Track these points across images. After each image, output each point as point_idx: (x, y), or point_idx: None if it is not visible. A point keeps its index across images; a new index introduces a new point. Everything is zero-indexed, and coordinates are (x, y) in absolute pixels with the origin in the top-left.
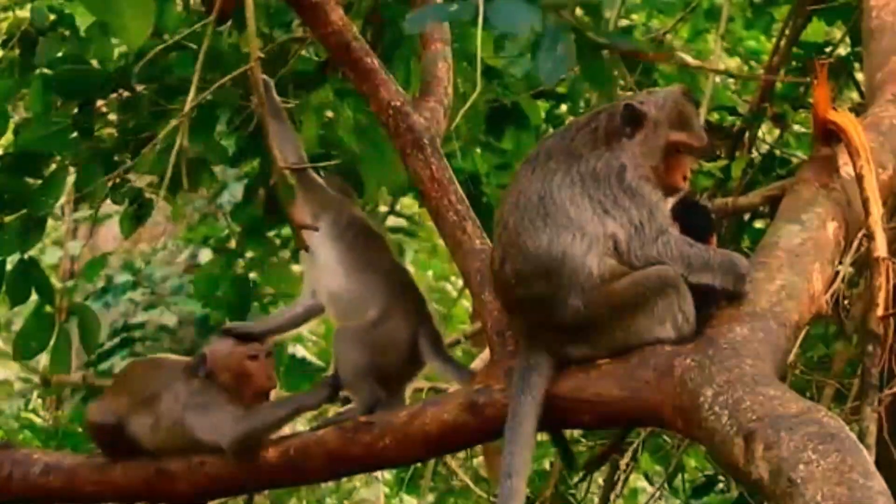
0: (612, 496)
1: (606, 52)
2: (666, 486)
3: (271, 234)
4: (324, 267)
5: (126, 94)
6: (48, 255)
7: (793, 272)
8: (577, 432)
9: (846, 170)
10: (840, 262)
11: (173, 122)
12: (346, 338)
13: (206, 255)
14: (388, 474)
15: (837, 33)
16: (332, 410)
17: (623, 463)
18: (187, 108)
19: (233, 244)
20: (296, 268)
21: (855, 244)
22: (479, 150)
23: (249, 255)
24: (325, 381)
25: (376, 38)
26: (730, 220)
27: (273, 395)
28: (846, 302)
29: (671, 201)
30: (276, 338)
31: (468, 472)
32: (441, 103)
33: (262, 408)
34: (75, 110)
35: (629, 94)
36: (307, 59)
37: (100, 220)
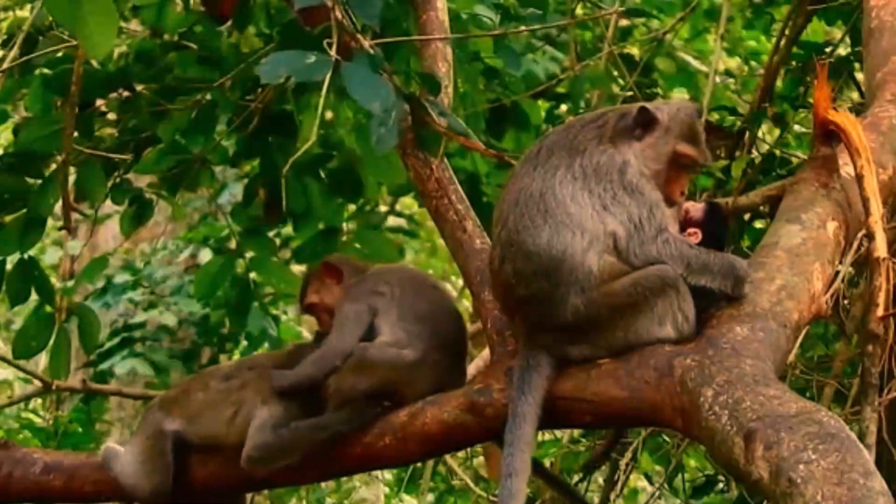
0: (612, 496)
1: (604, 57)
2: (666, 486)
3: (271, 233)
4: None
5: (126, 93)
6: (48, 255)
7: (793, 272)
8: (577, 432)
9: (846, 170)
10: (840, 262)
11: None
12: (376, 355)
13: (206, 255)
14: (388, 474)
15: (837, 33)
16: None
17: (623, 463)
18: None
19: (233, 244)
20: (295, 268)
21: (855, 244)
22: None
23: (250, 255)
24: (362, 406)
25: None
26: (730, 220)
27: None
28: (846, 302)
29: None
30: None
31: (468, 472)
32: (441, 103)
33: (299, 426)
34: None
35: (629, 94)
36: None
37: (100, 221)
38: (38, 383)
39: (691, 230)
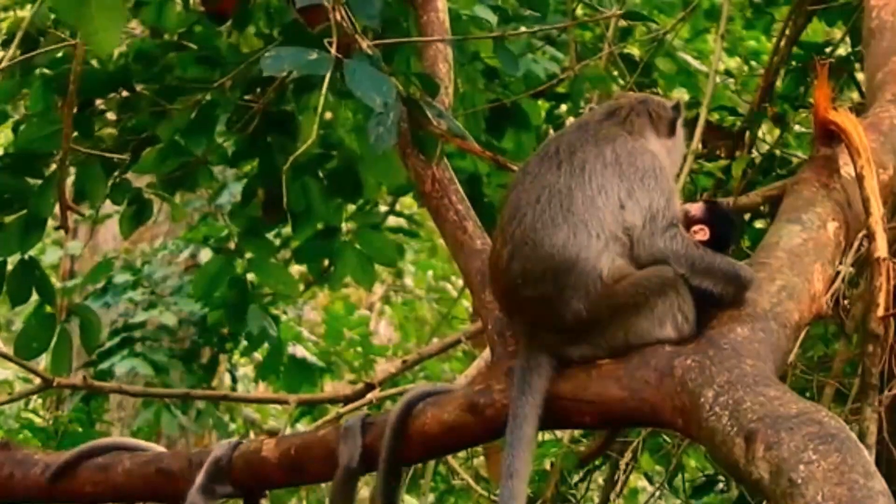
0: (612, 496)
1: (604, 57)
2: (666, 486)
3: (270, 234)
4: None
5: (126, 93)
6: (48, 255)
7: (793, 272)
8: (577, 432)
9: (846, 170)
10: (840, 263)
11: None
12: None
13: (206, 255)
14: None
15: (837, 33)
16: (333, 410)
17: (623, 463)
18: None
19: (232, 245)
20: (294, 268)
21: (855, 244)
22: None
23: (248, 255)
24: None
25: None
26: (734, 218)
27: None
28: (846, 302)
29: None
30: None
31: (469, 472)
32: (441, 103)
33: None
34: (75, 110)
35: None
36: None
37: (100, 221)
38: (38, 380)
39: (696, 228)
